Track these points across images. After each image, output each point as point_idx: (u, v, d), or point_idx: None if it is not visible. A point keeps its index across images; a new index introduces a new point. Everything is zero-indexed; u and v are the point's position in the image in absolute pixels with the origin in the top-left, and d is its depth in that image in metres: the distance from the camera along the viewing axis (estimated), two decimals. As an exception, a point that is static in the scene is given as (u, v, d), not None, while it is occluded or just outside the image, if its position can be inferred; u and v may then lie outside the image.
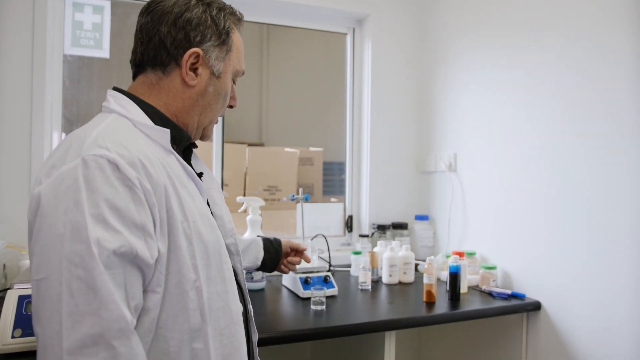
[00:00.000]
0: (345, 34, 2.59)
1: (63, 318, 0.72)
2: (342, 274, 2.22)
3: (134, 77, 1.02)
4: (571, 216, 1.70)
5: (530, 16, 1.88)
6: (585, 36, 1.65)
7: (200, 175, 1.06)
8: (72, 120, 2.16)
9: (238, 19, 1.06)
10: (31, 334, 1.22)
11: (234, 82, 1.08)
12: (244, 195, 2.78)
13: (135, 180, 0.79)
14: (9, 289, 1.68)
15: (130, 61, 1.02)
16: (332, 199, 3.09)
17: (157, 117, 0.96)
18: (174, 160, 0.94)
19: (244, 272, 1.15)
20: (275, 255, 1.55)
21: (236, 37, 1.05)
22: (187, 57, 0.96)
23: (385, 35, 2.52)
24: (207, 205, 1.00)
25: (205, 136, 1.08)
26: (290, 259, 1.60)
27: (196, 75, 0.98)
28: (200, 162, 1.15)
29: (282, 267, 1.60)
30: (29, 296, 1.28)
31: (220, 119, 1.15)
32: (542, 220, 1.82)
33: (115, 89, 0.99)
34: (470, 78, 2.21)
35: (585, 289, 1.64)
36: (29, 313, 1.26)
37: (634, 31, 1.49)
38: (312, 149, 3.11)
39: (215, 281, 0.92)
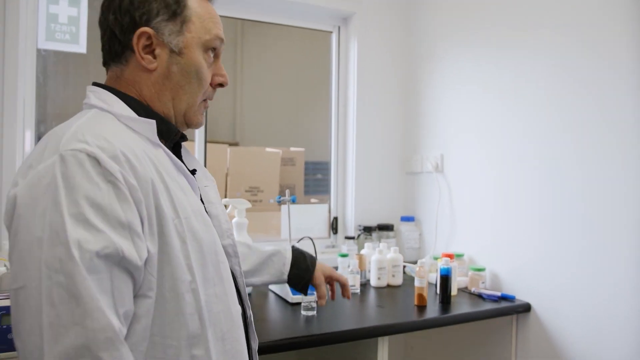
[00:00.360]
0: (331, 32, 2.55)
1: (44, 330, 0.66)
2: (329, 277, 2.17)
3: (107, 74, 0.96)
4: (561, 217, 1.69)
5: (519, 15, 1.87)
6: (576, 35, 1.65)
7: (193, 172, 1.00)
8: (46, 118, 2.05)
9: None
10: (9, 349, 1.13)
11: (214, 54, 0.96)
12: (226, 196, 2.71)
13: (119, 175, 0.73)
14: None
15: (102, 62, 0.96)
16: (312, 200, 3.05)
17: (142, 109, 0.89)
18: (162, 153, 0.87)
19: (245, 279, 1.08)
20: (305, 273, 1.37)
21: (196, 3, 0.93)
22: (137, 39, 0.87)
23: (371, 33, 2.48)
24: (201, 202, 0.94)
25: (191, 122, 0.96)
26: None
27: (154, 57, 0.89)
28: (192, 158, 1.07)
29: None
30: (3, 308, 1.19)
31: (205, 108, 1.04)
32: (531, 222, 1.82)
33: (95, 84, 0.93)
34: (456, 77, 2.20)
35: (576, 291, 1.64)
36: (5, 326, 1.17)
37: (629, 30, 1.49)
38: (293, 149, 3.05)
39: (213, 282, 0.86)
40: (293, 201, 1.98)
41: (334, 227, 2.55)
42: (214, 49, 0.95)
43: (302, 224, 2.45)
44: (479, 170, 2.07)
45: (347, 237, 2.32)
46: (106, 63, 0.94)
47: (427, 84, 2.40)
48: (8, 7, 1.82)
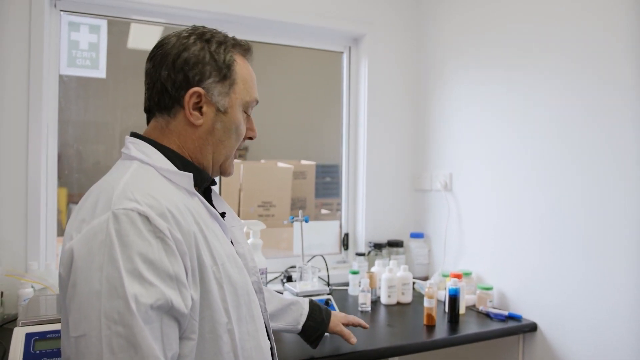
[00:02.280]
0: (342, 52, 2.61)
1: None
2: (341, 294, 2.23)
3: (147, 122, 1.03)
4: (565, 237, 1.75)
5: (527, 38, 1.92)
6: (583, 59, 1.70)
7: (223, 214, 1.07)
8: (68, 141, 2.13)
9: (243, 48, 1.05)
10: (42, 375, 1.21)
11: (247, 113, 1.06)
12: (239, 211, 2.78)
13: (167, 231, 0.80)
14: (10, 321, 1.66)
15: (144, 108, 1.03)
16: (323, 210, 3.11)
17: (178, 161, 0.97)
18: (198, 202, 0.95)
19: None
20: (320, 325, 1.45)
21: (242, 68, 1.02)
22: (188, 97, 0.95)
23: (382, 54, 2.54)
24: (231, 244, 1.01)
25: (224, 172, 1.07)
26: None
27: (201, 114, 0.97)
28: (221, 201, 1.15)
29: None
30: (37, 334, 1.26)
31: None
32: (536, 242, 1.87)
33: (133, 134, 1.00)
34: (465, 98, 2.25)
35: (581, 310, 1.69)
36: (38, 352, 1.24)
37: (634, 55, 1.54)
38: (304, 162, 3.12)
39: (245, 320, 0.93)
40: (306, 221, 2.04)
41: (344, 243, 2.61)
42: (250, 109, 1.06)
43: (314, 240, 2.51)
44: (486, 190, 2.12)
45: (358, 254, 2.38)
46: (150, 111, 1.01)
47: (436, 104, 2.45)
48: (33, 36, 1.90)
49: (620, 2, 1.57)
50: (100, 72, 2.14)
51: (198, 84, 0.96)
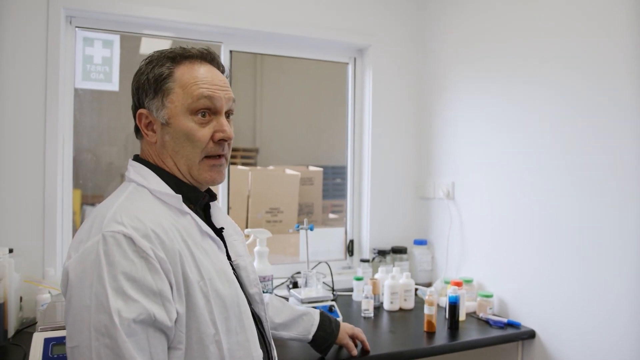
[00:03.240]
0: (347, 63, 2.67)
1: None
2: (345, 299, 2.30)
3: None
4: (564, 246, 1.80)
5: (528, 49, 1.97)
6: (582, 71, 1.74)
7: (221, 229, 1.14)
8: (82, 151, 2.22)
9: (182, 55, 1.05)
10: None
11: (211, 112, 1.04)
12: (247, 217, 2.86)
13: (150, 252, 0.88)
14: (29, 325, 1.75)
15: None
16: (331, 215, 3.18)
17: (172, 182, 1.04)
18: (190, 220, 1.02)
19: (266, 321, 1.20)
20: (329, 336, 1.52)
21: (182, 75, 1.03)
22: (138, 120, 1.06)
23: (386, 64, 2.60)
24: (226, 258, 1.07)
25: (198, 179, 1.05)
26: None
27: (154, 132, 1.05)
28: (222, 215, 1.20)
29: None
30: (54, 339, 1.35)
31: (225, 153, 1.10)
32: (535, 250, 1.92)
33: (135, 157, 1.10)
34: (467, 108, 2.30)
35: (578, 317, 1.74)
36: (56, 356, 1.32)
37: (633, 68, 1.58)
38: (311, 168, 3.19)
39: (235, 332, 1.00)
40: (311, 229, 2.11)
41: (349, 249, 2.67)
42: (207, 109, 1.03)
43: (320, 247, 2.58)
44: (488, 199, 2.17)
45: (362, 260, 2.44)
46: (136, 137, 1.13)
47: (439, 113, 2.50)
48: (49, 51, 1.99)
49: (620, 14, 1.61)
50: (114, 85, 2.22)
51: (142, 105, 1.05)
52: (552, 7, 1.86)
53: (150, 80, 1.03)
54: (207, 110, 1.04)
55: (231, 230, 1.18)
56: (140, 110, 1.05)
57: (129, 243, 0.87)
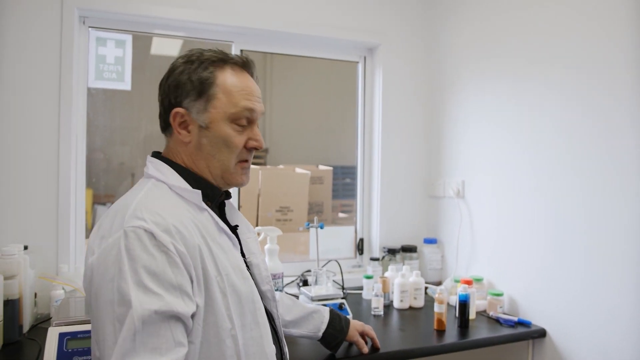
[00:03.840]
0: (357, 62, 2.67)
1: None
2: (355, 298, 2.30)
3: None
4: (573, 245, 1.79)
5: (534, 50, 1.96)
6: (588, 71, 1.74)
7: (236, 227, 1.15)
8: (95, 150, 2.25)
9: (224, 60, 1.07)
10: (74, 372, 1.31)
11: (239, 124, 1.06)
12: (257, 215, 2.87)
13: (170, 246, 0.89)
14: (43, 321, 1.78)
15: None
16: (341, 214, 3.18)
17: (191, 178, 1.06)
18: (207, 216, 1.03)
19: (279, 317, 1.21)
20: (339, 333, 1.52)
21: (226, 81, 1.05)
22: (172, 118, 1.06)
23: (396, 63, 2.60)
24: (241, 256, 1.09)
25: (230, 183, 1.10)
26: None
27: (188, 132, 1.06)
28: (236, 214, 1.22)
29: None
30: (69, 333, 1.36)
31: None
32: (545, 248, 1.91)
33: (153, 154, 1.11)
34: (476, 107, 2.30)
35: (588, 316, 1.73)
36: (70, 350, 1.34)
37: (638, 68, 1.57)
38: (321, 167, 3.19)
39: (250, 327, 1.01)
40: (321, 228, 2.12)
41: (359, 247, 2.67)
42: (246, 119, 1.08)
43: (330, 245, 2.59)
44: (497, 197, 2.17)
45: (372, 259, 2.44)
46: (162, 133, 1.13)
47: (449, 112, 2.50)
48: (63, 51, 2.01)
49: (624, 15, 1.60)
50: (126, 85, 2.25)
51: (179, 104, 1.05)
52: (565, 5, 1.85)
53: (194, 82, 1.04)
54: (246, 119, 1.08)
55: (245, 228, 1.20)
56: (177, 109, 1.05)
57: (149, 237, 0.88)
